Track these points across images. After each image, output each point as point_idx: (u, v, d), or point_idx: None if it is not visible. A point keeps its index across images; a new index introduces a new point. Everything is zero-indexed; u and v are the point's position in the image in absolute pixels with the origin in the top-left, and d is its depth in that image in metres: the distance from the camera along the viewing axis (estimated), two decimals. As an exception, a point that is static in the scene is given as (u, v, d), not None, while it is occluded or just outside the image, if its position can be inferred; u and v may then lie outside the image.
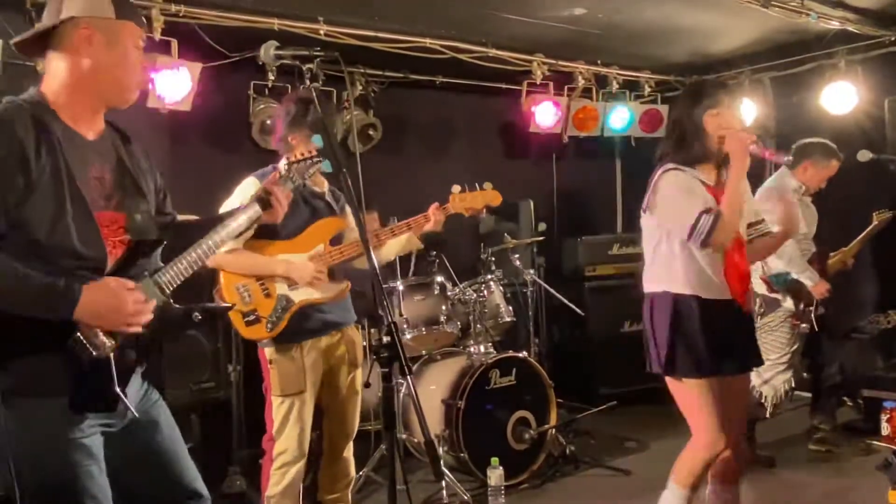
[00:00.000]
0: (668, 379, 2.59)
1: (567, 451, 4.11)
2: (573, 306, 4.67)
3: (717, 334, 2.51)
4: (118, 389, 1.72)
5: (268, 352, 2.89)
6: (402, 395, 3.85)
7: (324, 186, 3.06)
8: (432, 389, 3.94)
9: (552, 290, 4.76)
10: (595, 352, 5.35)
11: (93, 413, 1.74)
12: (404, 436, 3.90)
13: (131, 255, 1.81)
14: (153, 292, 1.80)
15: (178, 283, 1.86)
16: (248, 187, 2.88)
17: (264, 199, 2.06)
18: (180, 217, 2.11)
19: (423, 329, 3.97)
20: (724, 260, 2.52)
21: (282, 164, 2.88)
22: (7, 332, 1.65)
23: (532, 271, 4.68)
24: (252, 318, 2.77)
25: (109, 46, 1.80)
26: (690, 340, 2.50)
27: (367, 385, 1.85)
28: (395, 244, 3.11)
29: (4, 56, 3.50)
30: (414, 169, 5.39)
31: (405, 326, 3.92)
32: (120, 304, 1.70)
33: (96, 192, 1.79)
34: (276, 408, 2.87)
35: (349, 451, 3.10)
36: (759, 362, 2.70)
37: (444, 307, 4.02)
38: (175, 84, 3.99)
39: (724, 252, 2.51)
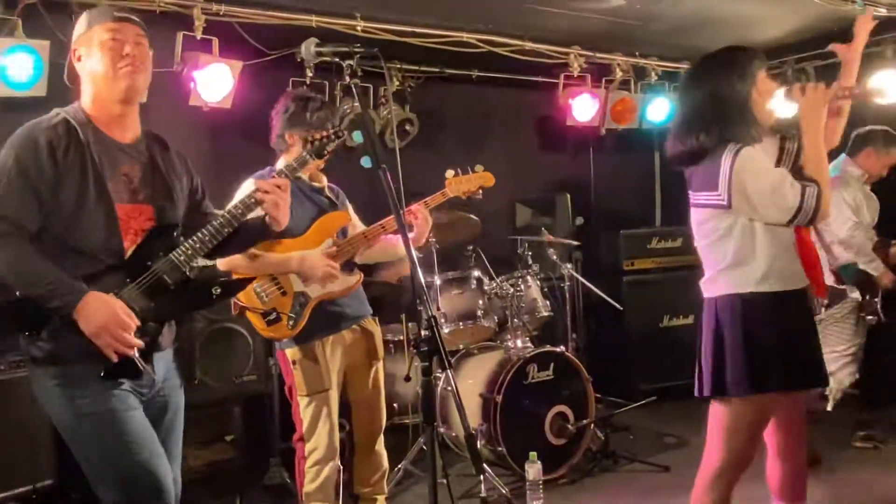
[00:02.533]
0: (715, 402, 2.32)
1: (605, 446, 4.09)
2: (611, 301, 4.64)
3: (791, 338, 2.25)
4: (139, 363, 1.91)
5: (290, 353, 2.90)
6: (439, 388, 3.86)
7: (323, 182, 3.07)
8: (470, 384, 3.96)
9: (590, 285, 4.73)
10: (634, 347, 5.30)
11: (122, 379, 1.93)
12: (442, 429, 3.91)
13: (149, 238, 2.00)
14: (171, 268, 1.98)
15: (196, 259, 2.02)
16: (247, 190, 2.86)
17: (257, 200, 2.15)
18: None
19: (461, 323, 3.98)
20: (795, 239, 2.27)
21: (279, 164, 2.93)
22: (46, 310, 1.86)
23: (569, 265, 4.64)
24: (273, 316, 2.79)
25: (88, 56, 2.03)
26: (762, 349, 2.22)
27: (407, 379, 1.86)
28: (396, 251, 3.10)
29: (52, 56, 3.60)
30: (450, 163, 5.19)
31: (442, 321, 3.93)
32: (113, 323, 1.86)
33: (123, 186, 1.99)
34: (304, 408, 2.89)
35: (381, 445, 3.12)
36: (826, 382, 2.42)
37: (480, 301, 4.03)
38: (216, 82, 4.06)
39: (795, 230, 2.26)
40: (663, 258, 5.46)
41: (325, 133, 2.28)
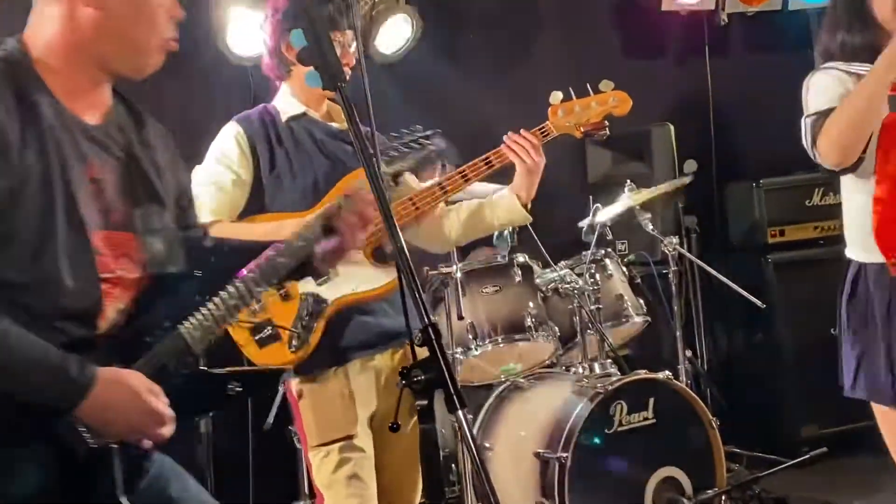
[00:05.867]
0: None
1: (747, 529, 4.09)
2: (748, 295, 4.59)
3: None
4: (123, 498, 1.84)
5: (294, 383, 2.98)
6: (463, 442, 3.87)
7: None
8: (521, 437, 3.96)
9: (711, 271, 4.70)
10: (788, 368, 5.27)
11: None
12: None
13: (147, 297, 1.95)
14: (180, 350, 1.92)
15: (214, 336, 1.98)
16: (226, 145, 2.98)
17: (328, 224, 2.17)
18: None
19: (500, 339, 3.98)
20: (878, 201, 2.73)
21: (279, 99, 3.04)
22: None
23: (675, 240, 4.60)
24: (267, 332, 2.83)
25: None
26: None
27: (393, 427, 1.86)
28: (460, 219, 3.16)
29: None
30: (475, 83, 5.41)
31: (469, 336, 3.94)
32: (140, 410, 1.82)
33: (92, 200, 1.91)
34: (318, 468, 2.97)
35: None
36: None
37: (531, 303, 4.02)
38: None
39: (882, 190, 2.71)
40: (832, 221, 5.36)
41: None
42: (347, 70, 2.87)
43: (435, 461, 3.80)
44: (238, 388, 2.02)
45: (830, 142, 2.76)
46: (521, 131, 3.04)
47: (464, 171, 3.02)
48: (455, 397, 1.69)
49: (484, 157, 3.03)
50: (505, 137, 3.05)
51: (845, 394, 2.98)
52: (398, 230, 1.80)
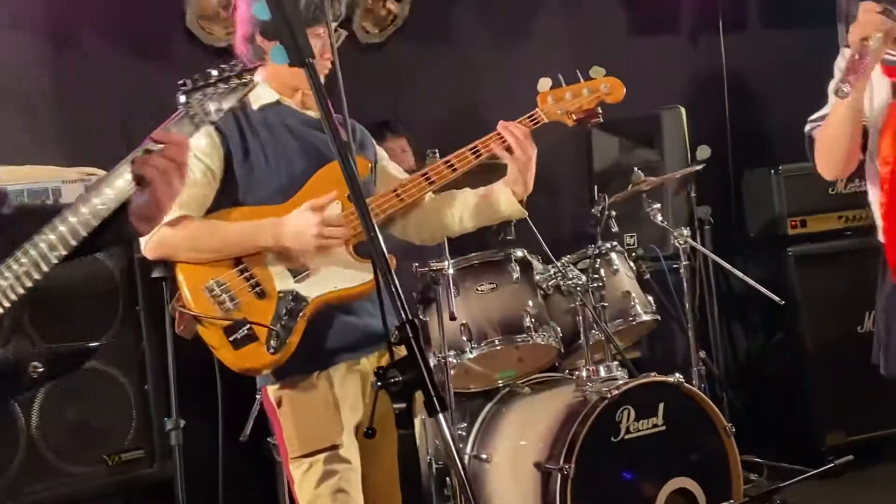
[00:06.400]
0: None
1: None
2: (767, 292, 4.59)
3: None
4: None
5: (272, 390, 2.97)
6: (455, 455, 3.86)
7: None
8: (521, 446, 3.97)
9: (727, 265, 4.71)
10: (811, 370, 5.25)
11: None
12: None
13: None
14: None
15: (2, 310, 1.91)
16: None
17: (136, 173, 2.04)
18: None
19: (497, 341, 3.97)
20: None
21: (258, 91, 2.93)
22: None
23: (687, 233, 4.59)
24: (243, 333, 2.82)
25: None
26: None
27: (369, 434, 1.85)
28: (469, 205, 3.17)
29: None
30: (470, 66, 5.41)
31: (463, 337, 3.94)
32: None
33: None
34: (300, 482, 2.95)
35: None
36: None
37: (530, 302, 4.01)
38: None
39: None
40: (858, 210, 5.36)
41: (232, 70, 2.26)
42: (328, 65, 2.86)
43: (414, 469, 3.79)
44: (39, 370, 1.96)
45: (818, 160, 2.99)
46: (511, 125, 3.06)
47: (450, 160, 3.03)
48: (434, 400, 1.69)
49: (471, 145, 3.04)
50: (510, 125, 3.05)
51: (881, 371, 3.05)
52: (373, 221, 1.80)
